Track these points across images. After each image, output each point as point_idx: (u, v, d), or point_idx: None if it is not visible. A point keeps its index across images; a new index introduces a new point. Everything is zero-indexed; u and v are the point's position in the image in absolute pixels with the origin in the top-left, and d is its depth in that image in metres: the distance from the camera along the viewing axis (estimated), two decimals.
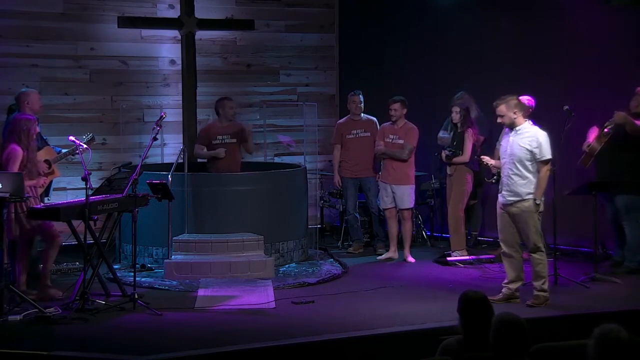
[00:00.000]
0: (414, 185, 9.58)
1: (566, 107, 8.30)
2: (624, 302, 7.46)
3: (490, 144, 9.18)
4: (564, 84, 9.52)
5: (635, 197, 8.54)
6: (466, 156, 9.25)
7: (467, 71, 10.20)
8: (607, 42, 9.27)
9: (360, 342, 6.31)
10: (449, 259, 9.24)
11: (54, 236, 7.53)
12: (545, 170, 7.27)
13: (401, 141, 9.46)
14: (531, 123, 8.91)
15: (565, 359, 4.32)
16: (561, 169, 8.27)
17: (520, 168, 7.29)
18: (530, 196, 7.26)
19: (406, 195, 9.46)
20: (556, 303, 7.37)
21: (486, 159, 8.01)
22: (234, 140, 9.55)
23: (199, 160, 9.82)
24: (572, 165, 8.66)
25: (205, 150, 9.55)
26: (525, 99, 9.01)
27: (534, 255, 7.36)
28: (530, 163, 7.28)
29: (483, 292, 4.69)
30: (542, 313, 7.04)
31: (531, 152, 7.26)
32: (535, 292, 7.35)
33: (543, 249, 7.39)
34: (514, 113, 7.36)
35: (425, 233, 10.49)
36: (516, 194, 7.31)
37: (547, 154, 7.27)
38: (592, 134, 8.66)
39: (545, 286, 7.36)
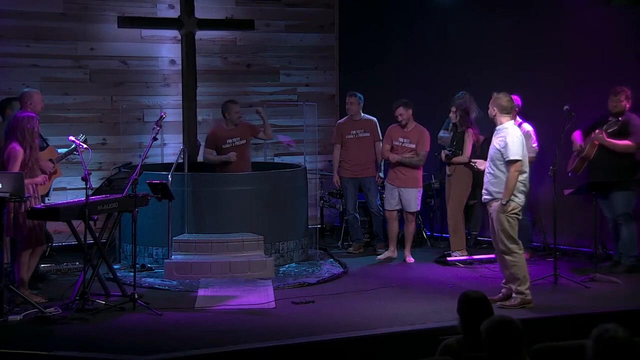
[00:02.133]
0: (421, 189, 9.56)
1: (566, 107, 8.29)
2: (624, 302, 7.46)
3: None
4: (564, 84, 9.51)
5: (631, 194, 8.53)
6: (466, 156, 9.24)
7: (467, 71, 10.19)
8: (607, 42, 9.27)
9: (360, 342, 6.31)
10: (449, 259, 9.24)
11: (40, 242, 7.47)
12: (513, 171, 7.20)
13: (412, 145, 9.43)
14: (519, 120, 8.97)
15: (565, 359, 4.32)
16: (561, 169, 8.28)
17: (494, 167, 7.33)
18: (499, 195, 7.27)
19: (413, 199, 9.43)
20: (556, 303, 7.37)
21: (478, 162, 8.05)
22: (244, 142, 9.58)
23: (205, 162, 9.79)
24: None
25: (215, 154, 9.54)
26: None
27: (506, 257, 7.28)
28: (500, 163, 7.28)
29: (483, 292, 4.69)
30: (542, 313, 7.03)
31: (500, 151, 7.28)
32: (514, 295, 7.30)
33: (516, 251, 7.28)
34: (493, 110, 7.42)
35: (425, 233, 10.49)
36: (489, 192, 7.37)
37: (513, 154, 7.19)
38: (578, 138, 8.67)
39: (522, 288, 7.24)
